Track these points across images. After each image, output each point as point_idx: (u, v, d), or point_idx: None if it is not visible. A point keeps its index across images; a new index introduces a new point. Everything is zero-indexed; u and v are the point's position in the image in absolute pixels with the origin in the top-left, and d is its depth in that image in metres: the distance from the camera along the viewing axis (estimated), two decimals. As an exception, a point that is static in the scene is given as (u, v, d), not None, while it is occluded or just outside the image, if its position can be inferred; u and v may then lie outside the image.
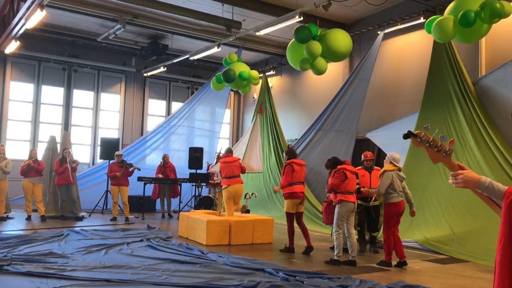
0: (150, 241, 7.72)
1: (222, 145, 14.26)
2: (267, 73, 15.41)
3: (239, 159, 9.17)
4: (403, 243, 7.83)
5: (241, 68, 10.85)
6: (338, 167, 6.92)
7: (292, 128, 15.02)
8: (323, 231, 9.98)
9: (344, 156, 12.16)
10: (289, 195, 7.50)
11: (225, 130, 18.08)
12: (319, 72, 8.59)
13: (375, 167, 7.99)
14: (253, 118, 14.78)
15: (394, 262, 6.57)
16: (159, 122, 15.37)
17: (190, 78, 17.26)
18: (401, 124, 10.50)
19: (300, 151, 13.25)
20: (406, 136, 2.22)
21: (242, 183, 8.77)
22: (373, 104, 12.40)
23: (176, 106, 16.73)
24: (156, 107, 17.12)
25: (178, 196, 12.58)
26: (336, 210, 6.77)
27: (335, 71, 13.60)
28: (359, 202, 7.42)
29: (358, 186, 7.18)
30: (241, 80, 10.71)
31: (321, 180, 12.55)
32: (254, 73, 11.06)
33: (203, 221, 8.10)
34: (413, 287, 5.07)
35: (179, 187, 12.50)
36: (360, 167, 7.87)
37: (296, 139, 14.00)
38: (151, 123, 16.60)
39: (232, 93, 17.74)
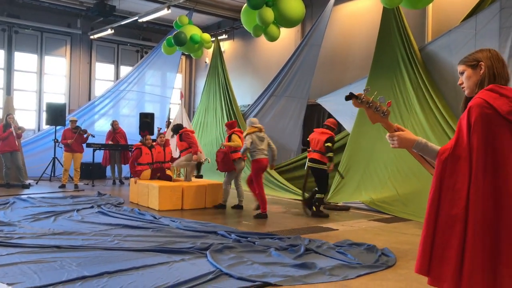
0: (101, 207, 7.62)
1: (171, 108, 14.10)
2: (219, 37, 15.18)
3: None
4: (350, 204, 8.20)
5: (193, 31, 10.63)
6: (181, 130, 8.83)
7: (245, 93, 14.99)
8: (275, 195, 10.20)
9: (297, 122, 12.38)
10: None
11: (177, 95, 17.78)
12: (272, 38, 8.61)
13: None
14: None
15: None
16: (108, 87, 14.90)
17: (139, 41, 16.73)
18: (351, 89, 10.67)
19: (253, 116, 13.30)
20: (348, 97, 2.28)
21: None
22: (324, 69, 12.56)
23: (125, 70, 16.26)
24: (104, 71, 16.56)
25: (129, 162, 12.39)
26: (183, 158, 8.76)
27: (287, 36, 13.58)
28: None
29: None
30: (192, 44, 10.51)
31: (274, 145, 12.70)
32: (206, 36, 10.88)
33: (155, 186, 8.06)
34: (359, 244, 5.31)
35: (130, 153, 12.29)
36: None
37: (248, 104, 14.01)
38: (99, 88, 16.07)
39: (183, 58, 17.40)
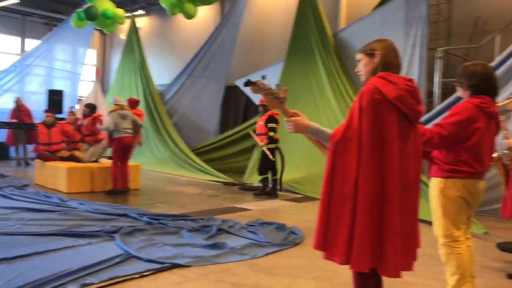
0: (2, 190, 7.13)
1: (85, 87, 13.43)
2: (135, 13, 14.61)
3: None
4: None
5: (105, 5, 10.12)
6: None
7: (162, 72, 14.64)
8: (192, 176, 10.16)
9: (215, 103, 12.33)
10: None
11: (90, 72, 16.93)
12: (189, 16, 8.50)
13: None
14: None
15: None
16: (12, 61, 13.80)
17: (48, 13, 15.62)
18: (269, 72, 10.83)
19: (171, 96, 13.07)
20: (246, 84, 2.31)
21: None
22: (243, 51, 12.59)
23: (31, 43, 15.13)
24: (7, 44, 15.31)
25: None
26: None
27: (206, 15, 13.42)
28: None
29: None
30: (104, 19, 10.03)
31: (191, 126, 12.62)
32: (120, 11, 10.43)
33: (63, 168, 7.67)
34: (270, 223, 5.46)
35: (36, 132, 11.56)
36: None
37: (166, 84, 13.72)
38: (2, 62, 14.85)
39: (96, 32, 16.55)
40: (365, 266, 2.17)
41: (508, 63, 6.44)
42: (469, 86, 2.92)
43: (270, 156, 7.69)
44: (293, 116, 2.37)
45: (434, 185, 2.92)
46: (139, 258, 4.02)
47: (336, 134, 2.23)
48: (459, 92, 3.05)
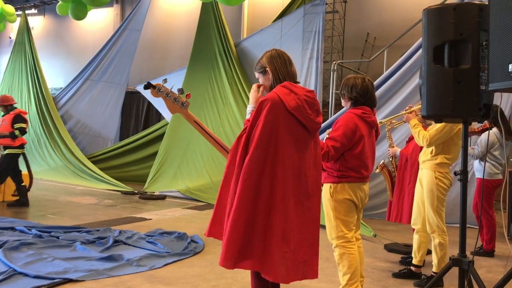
0: None
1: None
2: (27, 11, 13.65)
3: None
4: (167, 194, 8.22)
5: (-8, 1, 9.35)
6: None
7: (57, 75, 13.84)
8: (88, 185, 9.66)
9: (114, 108, 11.87)
10: None
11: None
12: (77, 17, 8.17)
13: None
14: None
15: None
16: None
17: None
18: (171, 78, 10.66)
19: (66, 101, 12.37)
20: (146, 87, 2.28)
21: None
22: (144, 56, 12.33)
23: None
24: None
25: None
26: None
27: (105, 18, 12.95)
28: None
29: None
30: (-9, 15, 9.26)
31: (88, 132, 12.03)
32: (9, 8, 9.70)
33: None
34: (170, 233, 5.35)
35: None
36: None
37: (61, 88, 12.96)
38: None
39: (-18, 30, 15.19)
40: (231, 265, 2.17)
41: (393, 78, 6.98)
42: (349, 97, 3.16)
43: None
44: (197, 121, 2.39)
45: (326, 190, 3.09)
46: (25, 275, 3.72)
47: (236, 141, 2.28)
48: (342, 102, 3.28)
